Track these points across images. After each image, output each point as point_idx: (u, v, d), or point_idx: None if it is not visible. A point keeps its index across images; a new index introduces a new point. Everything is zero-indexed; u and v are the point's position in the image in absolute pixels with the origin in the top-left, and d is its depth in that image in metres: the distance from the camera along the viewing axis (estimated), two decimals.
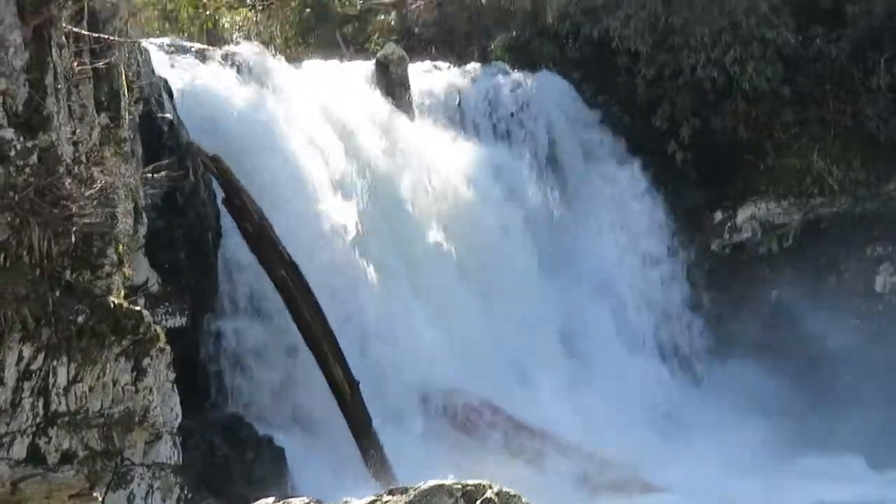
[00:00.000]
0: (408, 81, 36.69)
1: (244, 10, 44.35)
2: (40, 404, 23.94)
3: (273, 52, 35.68)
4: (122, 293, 25.68)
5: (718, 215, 38.64)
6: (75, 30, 26.57)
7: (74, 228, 24.61)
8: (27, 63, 25.55)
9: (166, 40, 34.37)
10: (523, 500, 22.76)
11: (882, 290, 37.61)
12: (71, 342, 24.25)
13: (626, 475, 31.00)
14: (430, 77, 37.78)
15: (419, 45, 40.50)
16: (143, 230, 27.53)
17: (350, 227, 32.90)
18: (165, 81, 31.16)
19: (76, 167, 25.67)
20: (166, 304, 27.91)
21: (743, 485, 30.19)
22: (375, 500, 22.39)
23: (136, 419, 24.82)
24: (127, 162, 27.42)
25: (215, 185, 30.58)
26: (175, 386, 25.67)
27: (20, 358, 23.64)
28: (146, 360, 25.04)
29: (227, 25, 43.27)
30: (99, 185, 25.38)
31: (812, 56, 38.23)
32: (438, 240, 34.44)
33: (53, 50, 25.94)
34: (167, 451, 25.26)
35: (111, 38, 27.45)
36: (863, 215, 37.98)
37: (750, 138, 38.50)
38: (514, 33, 41.08)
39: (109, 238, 25.49)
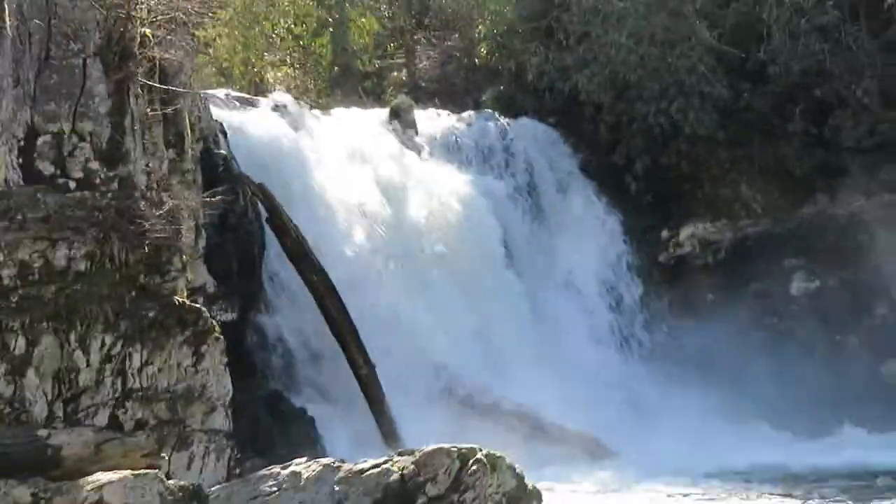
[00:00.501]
0: (415, 125, 36.73)
1: (285, 67, 44.38)
2: (119, 382, 24.12)
3: (307, 101, 35.80)
4: (185, 294, 25.83)
5: (665, 233, 38.62)
6: (149, 83, 26.80)
7: (147, 242, 24.83)
8: (110, 109, 25.81)
9: (222, 91, 34.50)
10: (506, 460, 23.10)
11: (796, 294, 37.56)
12: (144, 332, 24.45)
13: (587, 442, 31.13)
14: (433, 122, 37.82)
15: (425, 96, 40.52)
16: (202, 243, 27.74)
17: (368, 237, 33.20)
18: (220, 124, 31.31)
19: (149, 192, 25.87)
20: (220, 302, 28.02)
21: (680, 448, 30.31)
22: (387, 461, 22.65)
23: (196, 394, 24.96)
24: (189, 189, 27.60)
25: (261, 207, 30.79)
26: (227, 368, 25.83)
27: (103, 345, 23.87)
28: (204, 347, 25.19)
29: (270, 80, 43.25)
30: (167, 207, 25.56)
31: (741, 107, 38.21)
32: (439, 250, 34.57)
33: (131, 98, 26.21)
34: (220, 420, 25.36)
35: (177, 89, 27.70)
36: (781, 234, 37.96)
37: (691, 172, 38.50)
38: (502, 88, 41.05)
39: (175, 250, 25.61)
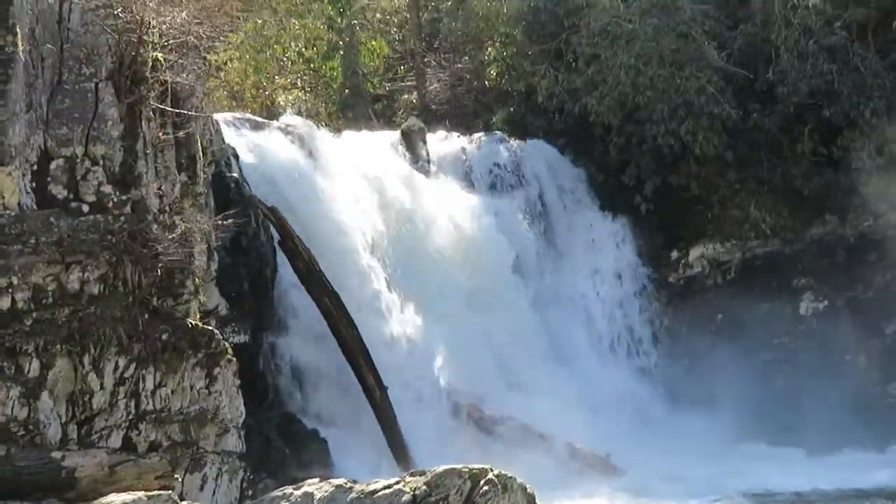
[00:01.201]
0: (426, 147, 36.85)
1: (296, 90, 44.47)
2: (132, 404, 24.25)
3: (318, 124, 35.88)
4: (198, 316, 25.97)
5: (674, 254, 38.71)
6: (161, 106, 26.88)
7: (160, 265, 24.97)
8: (122, 133, 25.90)
9: (233, 115, 34.62)
10: (518, 480, 23.17)
11: (805, 314, 37.64)
12: (157, 355, 24.57)
13: (596, 461, 31.17)
14: (444, 143, 37.92)
15: (435, 118, 40.60)
16: (214, 266, 27.79)
17: (379, 259, 33.30)
18: (232, 147, 31.46)
19: (161, 216, 25.96)
20: (233, 324, 28.11)
21: (688, 468, 30.35)
22: (399, 481, 22.75)
23: (209, 416, 25.09)
24: (202, 212, 27.64)
25: (272, 230, 30.93)
26: (239, 389, 25.96)
27: (116, 367, 24.02)
28: (217, 370, 25.34)
29: (282, 103, 43.35)
30: (179, 230, 25.67)
31: (750, 127, 38.27)
32: (449, 268, 34.66)
33: (143, 122, 26.31)
34: (233, 442, 25.49)
35: (189, 112, 27.77)
36: (790, 254, 38.04)
37: (700, 193, 38.58)
38: (511, 109, 41.11)
39: (188, 272, 25.73)
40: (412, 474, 23.06)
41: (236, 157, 31.42)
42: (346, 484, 22.80)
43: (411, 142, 36.83)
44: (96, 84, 25.92)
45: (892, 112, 37.32)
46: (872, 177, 36.87)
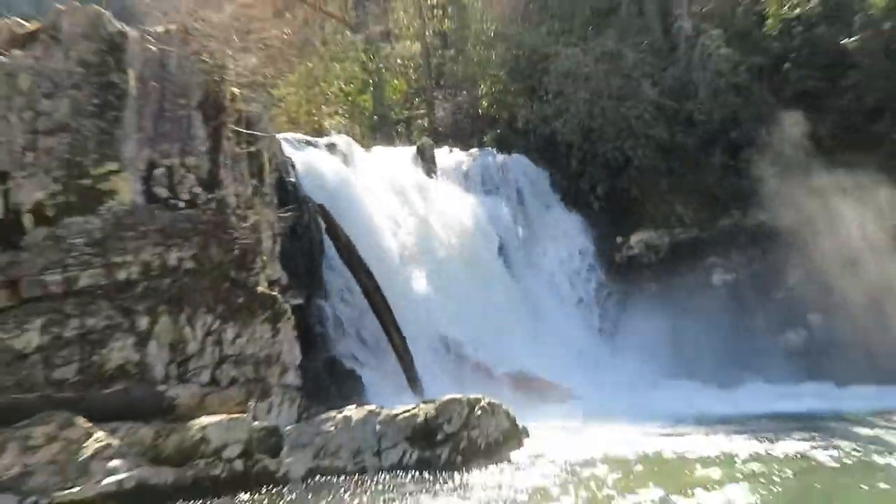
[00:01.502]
0: (435, 159, 36.83)
1: (337, 117, 44.41)
2: (217, 350, 24.31)
3: (354, 142, 35.91)
4: (265, 285, 26.07)
5: (619, 239, 38.68)
6: (236, 129, 26.98)
7: (237, 247, 25.09)
8: (208, 148, 26.06)
9: (291, 135, 34.59)
10: (502, 406, 23.34)
11: (716, 284, 37.63)
12: (235, 314, 24.70)
13: (559, 390, 31.18)
14: (448, 156, 37.87)
15: (442, 137, 40.53)
16: (277, 247, 27.83)
17: (400, 242, 33.35)
18: (290, 159, 31.44)
19: (237, 210, 26.07)
20: (291, 291, 28.02)
21: (628, 396, 30.43)
22: (415, 407, 23.00)
23: (274, 359, 25.17)
24: (268, 207, 27.77)
25: (320, 221, 30.96)
26: (296, 339, 26.04)
27: (205, 323, 24.13)
28: (279, 324, 25.42)
29: (327, 126, 43.30)
30: (251, 221, 25.83)
31: (676, 145, 38.36)
32: (451, 251, 34.67)
33: (224, 140, 26.44)
34: (292, 378, 25.55)
35: (258, 133, 27.87)
36: (705, 239, 38.02)
37: (638, 194, 38.59)
38: (498, 131, 41.11)
39: (257, 252, 25.86)
40: (424, 402, 23.35)
41: (293, 166, 31.39)
42: (375, 409, 23.05)
43: (424, 155, 36.79)
44: (189, 112, 26.00)
45: (782, 135, 37.31)
46: (766, 182, 36.90)
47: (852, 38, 36.63)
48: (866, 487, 19.48)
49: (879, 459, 21.62)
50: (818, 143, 35.57)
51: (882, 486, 19.39)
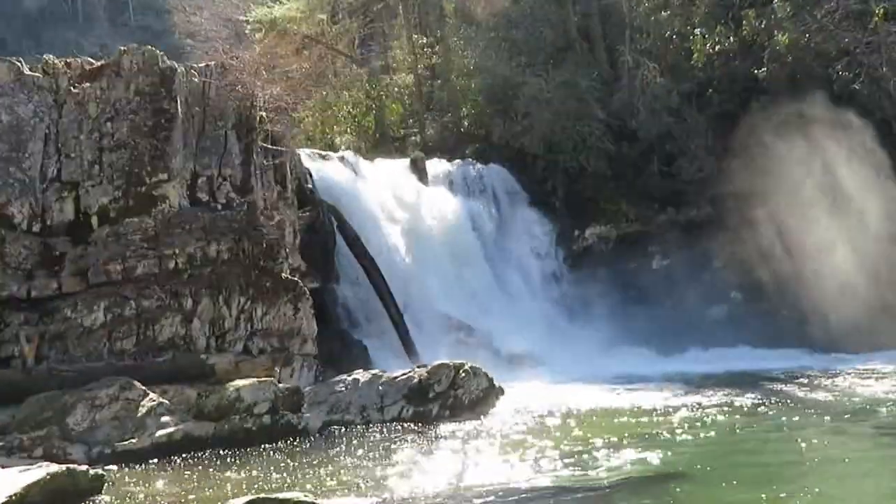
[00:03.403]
0: (426, 168, 36.60)
1: (346, 135, 44.27)
2: (248, 325, 24.41)
3: (359, 155, 35.76)
4: (288, 272, 25.97)
5: (576, 232, 38.20)
6: (264, 145, 27.01)
7: (265, 241, 25.04)
8: (242, 161, 26.14)
9: (309, 150, 34.38)
10: (482, 369, 23.21)
11: (656, 267, 37.39)
12: (263, 295, 24.73)
13: (531, 358, 31.00)
14: (437, 166, 37.45)
15: (432, 150, 40.11)
16: (297, 241, 27.83)
17: (398, 238, 33.13)
18: (308, 169, 31.22)
19: (265, 211, 26.10)
20: (309, 276, 27.97)
21: (586, 362, 30.27)
22: (411, 371, 22.93)
23: (295, 332, 25.17)
24: (290, 208, 27.79)
25: (333, 219, 30.78)
26: (314, 316, 25.97)
27: (238, 303, 24.29)
28: (300, 304, 25.43)
29: (338, 142, 43.20)
30: (276, 220, 25.82)
31: (622, 155, 38.03)
32: (439, 243, 34.45)
33: (254, 154, 26.47)
34: (310, 348, 25.53)
35: (281, 149, 27.85)
36: (646, 231, 37.76)
37: (592, 195, 38.23)
38: (478, 146, 40.75)
39: (281, 245, 25.85)
40: (418, 367, 23.32)
41: (311, 175, 31.15)
42: (378, 373, 23.08)
43: (417, 166, 36.52)
44: (225, 132, 26.10)
45: (707, 146, 37.22)
46: (695, 185, 36.85)
47: (762, 69, 36.50)
48: (774, 428, 19.60)
49: (783, 406, 21.71)
50: (735, 154, 35.35)
51: (783, 423, 19.51)
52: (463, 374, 22.78)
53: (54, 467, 15.69)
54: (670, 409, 22.02)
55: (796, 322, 32.56)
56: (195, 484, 16.62)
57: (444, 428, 20.95)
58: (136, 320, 22.77)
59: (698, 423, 20.33)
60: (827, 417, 20.48)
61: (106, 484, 16.25)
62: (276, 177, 27.78)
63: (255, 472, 17.28)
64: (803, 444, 17.74)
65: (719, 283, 36.04)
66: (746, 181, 33.98)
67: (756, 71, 36.87)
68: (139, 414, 19.86)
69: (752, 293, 35.02)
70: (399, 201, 34.29)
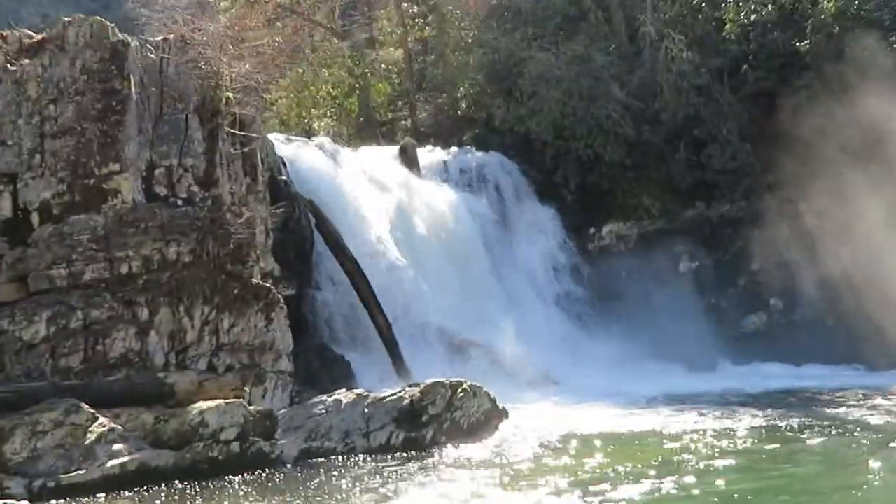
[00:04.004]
0: (417, 157, 36.63)
1: (326, 118, 44.28)
2: (214, 339, 24.29)
3: (341, 142, 35.77)
4: (259, 276, 25.93)
5: (592, 230, 38.42)
6: (231, 130, 26.88)
7: (232, 241, 24.99)
8: (205, 149, 26.02)
9: (283, 136, 34.41)
10: (483, 388, 23.23)
11: (683, 271, 37.51)
12: (230, 304, 24.63)
13: (540, 375, 31.06)
14: (430, 155, 37.64)
15: (424, 137, 40.25)
16: (270, 241, 27.75)
17: (385, 237, 33.10)
18: (282, 158, 31.25)
19: (232, 207, 26.01)
20: (283, 282, 27.90)
21: (604, 379, 30.30)
22: (401, 391, 22.92)
23: (268, 346, 25.05)
24: (261, 203, 27.70)
25: (310, 216, 30.76)
26: (289, 328, 25.90)
27: (202, 313, 24.16)
28: (272, 313, 25.31)
29: (316, 127, 43.20)
30: (245, 217, 25.72)
31: (643, 142, 38.05)
32: (433, 243, 34.47)
33: (219, 142, 26.35)
34: (285, 364, 25.42)
35: (251, 135, 27.73)
36: (671, 229, 37.82)
37: (609, 187, 38.36)
38: (476, 131, 40.82)
39: (251, 246, 25.75)
40: (410, 386, 23.34)
41: (285, 165, 31.20)
42: (364, 393, 23.05)
43: (407, 154, 36.59)
44: (186, 116, 25.97)
45: (741, 131, 37.27)
46: (728, 176, 36.84)
47: (804, 42, 36.54)
48: (821, 456, 19.60)
49: (833, 430, 21.70)
50: (773, 139, 35.40)
51: (830, 449, 19.49)
52: (461, 394, 22.78)
53: None
54: (700, 434, 22.04)
55: (845, 334, 32.58)
56: None
57: (440, 456, 20.96)
58: (84, 333, 22.58)
59: (733, 450, 20.35)
60: (893, 444, 20.41)
61: None
62: (245, 167, 27.70)
63: None
64: (859, 477, 17.69)
65: (756, 289, 36.16)
66: (787, 171, 34.02)
67: (797, 44, 36.92)
68: (87, 441, 19.70)
69: (793, 301, 35.11)
70: (386, 195, 34.27)
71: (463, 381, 23.21)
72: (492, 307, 34.58)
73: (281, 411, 22.76)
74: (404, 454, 21.28)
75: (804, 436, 21.69)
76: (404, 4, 46.05)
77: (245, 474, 19.75)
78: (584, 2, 42.57)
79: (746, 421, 23.54)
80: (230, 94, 27.29)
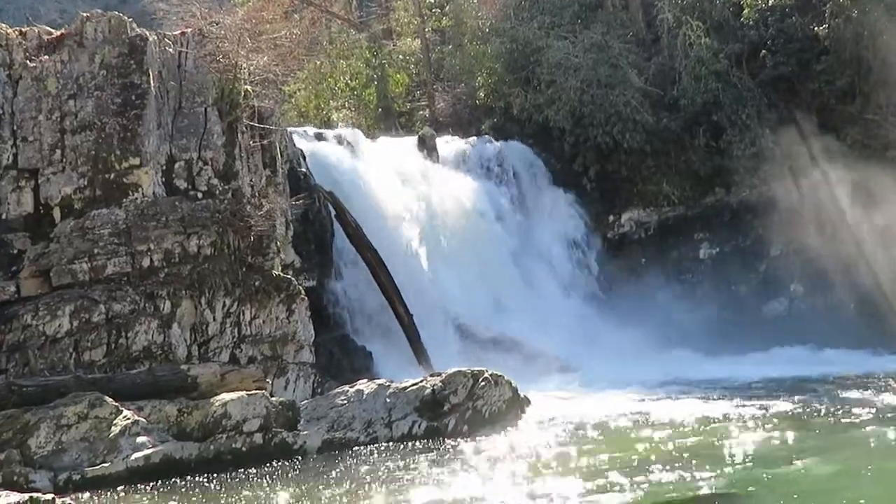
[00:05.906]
0: (436, 147, 36.63)
1: (344, 110, 44.25)
2: (236, 331, 24.47)
3: (360, 132, 35.76)
4: (280, 268, 26.02)
5: (611, 218, 38.35)
6: (250, 123, 26.93)
7: (252, 233, 25.12)
8: (224, 142, 26.11)
9: (301, 128, 34.45)
10: (505, 377, 23.24)
11: (703, 258, 37.47)
12: (252, 296, 24.80)
13: (558, 363, 31.06)
14: (449, 144, 37.63)
15: (443, 127, 40.21)
16: (290, 233, 27.80)
17: (405, 224, 33.17)
18: (301, 150, 31.30)
19: (252, 199, 26.12)
20: (304, 273, 28.01)
21: (623, 366, 30.23)
22: (423, 380, 22.95)
23: (289, 338, 25.21)
24: (281, 196, 27.74)
25: (330, 207, 30.80)
26: (310, 319, 26.00)
27: (224, 305, 24.31)
28: (294, 305, 25.48)
29: (335, 119, 43.18)
30: (265, 209, 25.82)
31: (661, 129, 37.89)
32: (453, 232, 34.51)
33: (238, 134, 26.44)
34: (307, 355, 25.58)
35: (270, 127, 27.77)
36: (691, 216, 37.82)
37: (628, 175, 38.22)
38: (495, 119, 40.70)
39: (272, 238, 25.87)
40: (431, 375, 23.34)
41: (304, 157, 31.24)
42: (385, 383, 23.05)
43: (426, 144, 36.59)
44: (205, 109, 26.08)
45: (760, 116, 37.12)
46: (747, 161, 36.70)
47: (823, 26, 36.40)
48: (848, 444, 19.37)
49: (860, 418, 21.59)
50: (793, 125, 35.30)
51: (861, 438, 19.38)
52: (483, 383, 22.77)
53: (14, 497, 15.69)
54: (722, 421, 21.98)
55: (869, 318, 32.47)
56: None
57: (462, 445, 20.93)
58: (107, 327, 22.75)
59: (756, 438, 20.27)
60: None
61: None
62: (265, 160, 27.77)
63: (244, 500, 17.29)
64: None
65: (777, 273, 36.07)
66: (807, 156, 33.89)
67: (817, 28, 36.76)
68: (111, 434, 19.81)
69: (815, 285, 35.00)
70: (406, 185, 34.32)
71: (484, 369, 23.21)
72: (512, 295, 34.66)
73: (303, 402, 22.82)
74: (426, 443, 21.29)
75: (829, 422, 21.55)
76: None
77: (268, 465, 19.81)
78: None
79: (768, 408, 23.37)
80: (248, 87, 27.36)
